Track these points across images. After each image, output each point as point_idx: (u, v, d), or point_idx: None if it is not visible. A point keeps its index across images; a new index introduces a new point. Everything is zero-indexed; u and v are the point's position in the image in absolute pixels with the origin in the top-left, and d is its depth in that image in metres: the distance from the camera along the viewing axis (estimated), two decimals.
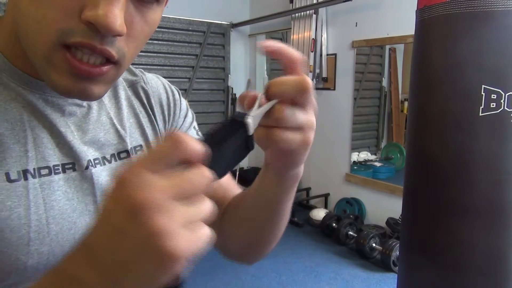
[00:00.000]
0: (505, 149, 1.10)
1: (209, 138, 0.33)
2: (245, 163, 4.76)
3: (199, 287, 2.61)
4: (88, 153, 0.51)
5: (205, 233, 0.29)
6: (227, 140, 0.34)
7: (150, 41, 4.04)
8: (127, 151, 0.56)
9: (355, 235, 3.13)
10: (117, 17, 0.37)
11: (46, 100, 0.48)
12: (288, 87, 0.39)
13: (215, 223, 0.62)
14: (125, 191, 0.27)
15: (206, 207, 0.30)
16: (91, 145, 0.52)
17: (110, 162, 0.54)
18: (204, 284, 2.64)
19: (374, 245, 2.93)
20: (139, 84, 0.61)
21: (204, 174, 0.30)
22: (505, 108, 1.07)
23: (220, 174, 0.33)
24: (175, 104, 0.65)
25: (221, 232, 0.60)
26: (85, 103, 0.52)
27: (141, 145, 0.58)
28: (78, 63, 0.40)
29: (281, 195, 0.50)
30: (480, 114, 1.09)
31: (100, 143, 0.53)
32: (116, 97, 0.58)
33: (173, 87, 0.67)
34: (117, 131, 0.55)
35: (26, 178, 0.45)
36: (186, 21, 4.22)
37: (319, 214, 3.51)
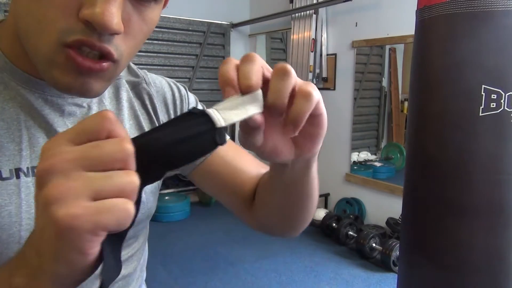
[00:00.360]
0: (505, 149, 1.10)
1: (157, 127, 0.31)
2: None
3: (199, 287, 2.61)
4: None
5: (120, 206, 0.26)
6: (171, 127, 0.31)
7: (150, 41, 4.04)
8: None
9: (355, 235, 3.13)
10: (113, 15, 0.37)
11: (46, 99, 0.48)
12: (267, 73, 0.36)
13: (246, 205, 0.62)
14: (41, 159, 0.27)
15: (125, 180, 0.27)
16: None
17: None
18: (204, 284, 2.64)
19: (374, 245, 2.93)
20: (141, 85, 0.61)
21: (122, 146, 0.27)
22: (505, 108, 1.07)
23: (161, 156, 0.30)
24: (181, 101, 0.64)
25: (254, 215, 0.61)
26: (85, 104, 0.52)
27: None
28: (81, 58, 0.40)
29: (313, 176, 0.50)
30: (480, 114, 1.09)
31: None
32: (117, 99, 0.58)
33: (179, 84, 0.67)
34: None
35: (18, 177, 0.45)
36: (186, 21, 4.22)
37: (319, 214, 3.51)
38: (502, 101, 1.07)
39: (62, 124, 0.50)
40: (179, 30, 4.21)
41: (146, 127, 0.59)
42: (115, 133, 0.28)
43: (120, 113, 0.57)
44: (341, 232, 3.17)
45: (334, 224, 3.29)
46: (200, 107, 0.67)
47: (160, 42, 4.10)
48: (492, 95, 1.07)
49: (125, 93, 0.58)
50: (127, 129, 0.57)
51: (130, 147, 0.27)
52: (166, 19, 4.07)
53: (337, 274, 2.78)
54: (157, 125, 0.60)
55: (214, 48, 4.52)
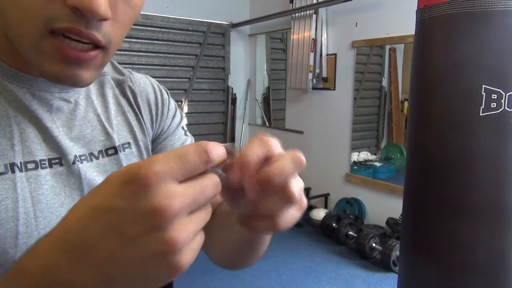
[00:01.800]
0: (505, 149, 1.10)
1: None
2: None
3: (199, 287, 2.61)
4: (74, 149, 0.51)
5: (202, 240, 0.29)
6: None
7: (150, 41, 4.04)
8: (114, 148, 0.56)
9: (355, 235, 3.13)
10: (101, 0, 0.37)
11: (33, 94, 0.48)
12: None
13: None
14: (148, 196, 0.25)
15: (208, 214, 0.30)
16: (78, 141, 0.52)
17: (97, 158, 0.54)
18: (204, 284, 2.64)
19: (374, 245, 2.93)
20: (126, 83, 0.61)
21: (217, 183, 0.29)
22: (506, 108, 1.07)
23: None
24: (163, 104, 0.65)
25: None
26: (72, 99, 0.52)
27: (129, 143, 0.59)
28: (67, 49, 0.40)
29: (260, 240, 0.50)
30: (481, 114, 1.09)
31: (87, 139, 0.53)
32: (103, 95, 0.58)
33: (161, 87, 0.67)
34: (104, 128, 0.56)
35: (13, 171, 0.45)
36: (186, 21, 4.22)
37: (319, 214, 3.51)
38: (502, 101, 1.07)
39: (51, 120, 0.50)
40: (179, 30, 4.21)
41: (134, 124, 0.60)
42: (213, 165, 0.29)
43: (107, 110, 0.57)
44: (341, 232, 3.17)
45: (334, 224, 3.29)
46: (179, 114, 0.68)
47: (160, 42, 4.10)
48: (493, 95, 1.07)
49: (111, 90, 0.59)
50: (115, 125, 0.57)
51: (220, 186, 0.30)
52: (166, 19, 4.07)
53: (337, 274, 2.78)
54: (143, 123, 0.61)
55: (214, 48, 4.52)
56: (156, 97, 0.64)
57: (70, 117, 0.52)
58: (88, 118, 0.54)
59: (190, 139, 0.69)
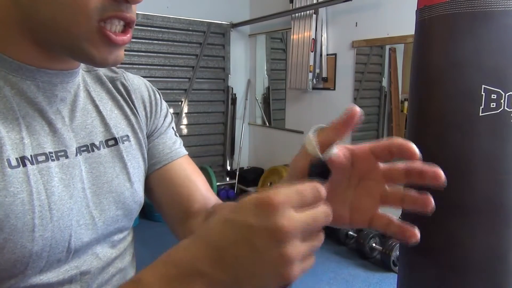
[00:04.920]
0: (505, 149, 1.10)
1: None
2: (245, 163, 4.77)
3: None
4: (76, 140, 0.52)
5: (312, 263, 0.35)
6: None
7: (150, 41, 4.04)
8: (115, 139, 0.57)
9: (355, 235, 3.13)
10: None
11: (38, 86, 0.49)
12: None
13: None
14: (274, 217, 0.32)
15: (320, 241, 0.36)
16: (79, 132, 0.53)
17: (98, 149, 0.55)
18: None
19: (374, 245, 2.93)
20: (119, 80, 0.62)
21: (328, 214, 0.35)
22: (505, 108, 1.07)
23: None
24: (156, 104, 0.67)
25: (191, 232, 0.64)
26: (72, 90, 0.53)
27: (127, 135, 0.60)
28: (113, 35, 0.45)
29: None
30: (480, 114, 1.09)
31: (88, 130, 0.54)
32: (99, 89, 0.59)
33: (154, 87, 0.69)
34: (103, 118, 0.57)
35: (24, 165, 0.45)
36: (186, 21, 4.22)
37: None
38: (502, 101, 1.07)
39: (55, 111, 0.50)
40: (179, 30, 4.21)
41: (131, 118, 0.61)
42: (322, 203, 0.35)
43: (104, 103, 0.58)
44: (341, 232, 3.17)
45: None
46: (170, 114, 0.70)
47: (160, 42, 4.10)
48: (492, 95, 1.07)
49: (105, 85, 0.60)
50: (114, 118, 0.58)
51: (331, 215, 0.35)
52: (166, 19, 4.07)
53: (337, 274, 2.78)
54: (139, 118, 0.62)
55: (214, 48, 4.52)
56: (149, 96, 0.66)
57: (71, 108, 0.53)
58: (87, 109, 0.55)
59: (179, 140, 0.70)
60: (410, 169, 0.43)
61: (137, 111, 0.62)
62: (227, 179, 4.64)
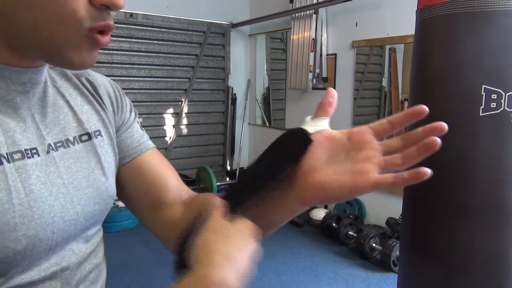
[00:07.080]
0: (505, 149, 1.10)
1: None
2: (245, 163, 4.77)
3: None
4: (49, 137, 0.52)
5: None
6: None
7: (150, 41, 4.04)
8: (88, 134, 0.58)
9: (355, 235, 3.13)
10: None
11: (8, 83, 0.48)
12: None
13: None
14: None
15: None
16: (53, 128, 0.53)
17: (73, 144, 0.55)
18: None
19: (374, 245, 2.93)
20: (83, 76, 0.62)
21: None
22: (505, 108, 1.07)
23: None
24: (121, 99, 0.67)
25: (163, 222, 0.67)
26: (40, 87, 0.53)
27: (99, 130, 0.60)
28: (101, 38, 0.45)
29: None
30: (480, 114, 1.09)
31: (61, 125, 0.54)
32: (66, 85, 0.59)
33: (118, 85, 0.70)
34: (75, 114, 0.57)
35: (1, 163, 0.45)
36: (186, 21, 4.22)
37: (319, 214, 3.51)
38: (502, 101, 1.07)
39: (27, 107, 0.50)
40: (179, 30, 4.21)
41: (101, 113, 0.61)
42: None
43: (74, 98, 0.58)
44: (341, 232, 3.17)
45: (334, 224, 3.29)
46: (133, 109, 0.71)
47: (160, 42, 4.10)
48: (492, 95, 1.07)
49: (72, 80, 0.60)
50: (85, 113, 0.59)
51: None
52: (166, 19, 4.07)
53: (337, 274, 2.78)
54: (108, 112, 0.63)
55: (214, 48, 4.52)
56: (114, 91, 0.66)
57: (42, 104, 0.53)
58: (58, 105, 0.55)
59: (146, 134, 0.71)
60: (408, 136, 0.45)
61: (105, 106, 0.63)
62: (227, 179, 4.64)
